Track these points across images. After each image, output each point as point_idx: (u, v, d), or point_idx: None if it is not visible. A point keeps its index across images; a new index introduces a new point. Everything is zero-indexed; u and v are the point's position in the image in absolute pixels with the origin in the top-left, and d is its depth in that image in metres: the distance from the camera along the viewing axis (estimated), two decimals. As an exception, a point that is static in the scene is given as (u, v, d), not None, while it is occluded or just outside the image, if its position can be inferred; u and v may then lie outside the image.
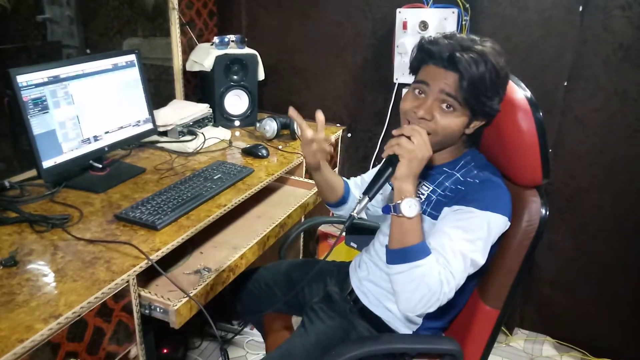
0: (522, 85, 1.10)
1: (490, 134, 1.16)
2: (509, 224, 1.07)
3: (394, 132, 1.03)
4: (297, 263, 1.58)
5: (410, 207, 0.98)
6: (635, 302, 1.96)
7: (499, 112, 1.07)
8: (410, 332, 1.23)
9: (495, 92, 1.03)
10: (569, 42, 1.80)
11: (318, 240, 2.25)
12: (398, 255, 0.99)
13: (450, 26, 1.84)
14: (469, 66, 0.99)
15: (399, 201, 0.98)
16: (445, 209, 1.08)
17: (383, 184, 1.03)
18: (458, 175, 1.11)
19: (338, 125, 2.29)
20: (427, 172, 1.16)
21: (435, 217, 1.10)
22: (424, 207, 1.13)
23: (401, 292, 0.99)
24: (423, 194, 1.14)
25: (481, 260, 1.03)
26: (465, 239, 1.00)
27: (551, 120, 1.90)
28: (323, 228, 2.21)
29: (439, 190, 1.12)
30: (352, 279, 1.33)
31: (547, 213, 1.08)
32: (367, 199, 1.02)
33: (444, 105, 1.04)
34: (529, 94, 1.08)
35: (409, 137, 0.99)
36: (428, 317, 1.20)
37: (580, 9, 1.74)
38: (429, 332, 1.23)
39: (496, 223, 1.04)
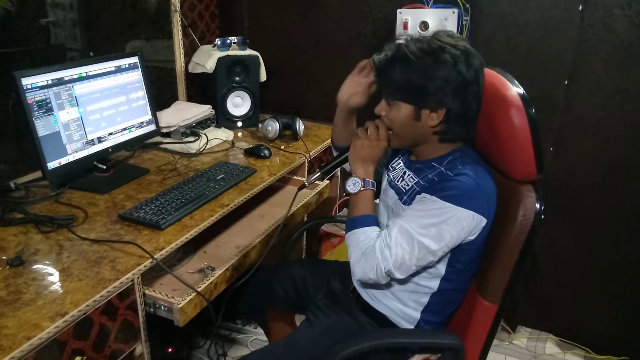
0: (515, 82, 1.11)
1: (484, 130, 1.17)
2: (482, 219, 1.07)
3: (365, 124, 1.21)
4: (299, 262, 1.59)
5: (354, 184, 1.18)
6: (637, 299, 1.96)
7: (435, 97, 1.07)
8: (412, 327, 1.24)
9: (406, 75, 1.08)
10: (569, 41, 1.80)
11: (321, 240, 2.26)
12: (347, 224, 1.18)
13: (451, 26, 1.84)
14: (382, 61, 1.13)
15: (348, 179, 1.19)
16: (417, 197, 1.12)
17: (337, 164, 1.29)
18: (442, 168, 1.13)
19: (340, 125, 2.29)
20: (416, 166, 1.21)
21: None
22: (405, 197, 1.17)
23: (349, 253, 1.15)
24: (408, 185, 1.19)
25: (433, 246, 1.06)
26: (418, 222, 1.07)
27: (552, 119, 1.91)
28: (326, 227, 2.22)
29: (422, 182, 1.15)
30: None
31: (542, 208, 1.08)
32: (319, 172, 1.27)
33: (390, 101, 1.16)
34: (521, 90, 1.09)
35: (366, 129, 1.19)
36: (426, 311, 1.21)
37: (580, 7, 1.75)
38: (429, 326, 1.24)
39: (457, 217, 1.05)
